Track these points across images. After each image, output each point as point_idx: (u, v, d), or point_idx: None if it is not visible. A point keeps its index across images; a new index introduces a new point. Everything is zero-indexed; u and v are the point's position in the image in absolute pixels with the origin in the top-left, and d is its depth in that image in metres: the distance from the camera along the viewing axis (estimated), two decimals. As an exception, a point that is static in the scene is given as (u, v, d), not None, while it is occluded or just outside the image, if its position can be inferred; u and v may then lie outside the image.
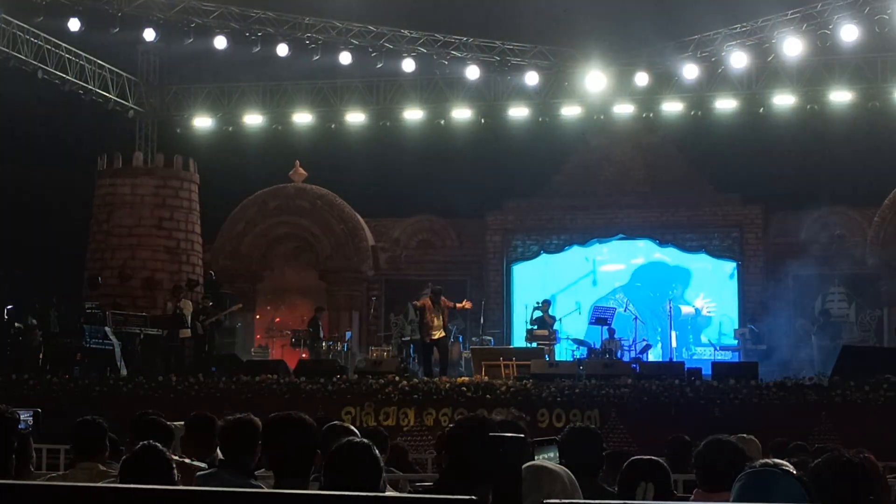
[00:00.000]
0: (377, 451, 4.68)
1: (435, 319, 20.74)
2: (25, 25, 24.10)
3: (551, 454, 4.60)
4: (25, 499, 2.70)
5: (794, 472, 4.42)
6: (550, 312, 24.79)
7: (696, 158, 27.80)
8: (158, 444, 5.36)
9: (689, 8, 25.07)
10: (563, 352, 25.15)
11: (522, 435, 4.22)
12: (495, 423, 4.76)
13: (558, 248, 29.12)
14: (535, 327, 24.24)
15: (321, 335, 26.20)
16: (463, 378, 19.65)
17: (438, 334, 20.78)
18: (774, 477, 4.32)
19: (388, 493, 4.16)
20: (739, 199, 28.08)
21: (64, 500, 2.68)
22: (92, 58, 26.49)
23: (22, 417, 5.92)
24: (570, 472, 4.61)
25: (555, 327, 24.65)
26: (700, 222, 28.10)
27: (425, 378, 19.77)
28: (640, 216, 28.27)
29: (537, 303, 24.97)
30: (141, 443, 5.38)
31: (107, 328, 22.53)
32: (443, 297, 21.08)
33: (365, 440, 4.85)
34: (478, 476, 4.02)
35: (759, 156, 26.80)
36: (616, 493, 5.78)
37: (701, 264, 28.57)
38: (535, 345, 23.34)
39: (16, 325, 22.73)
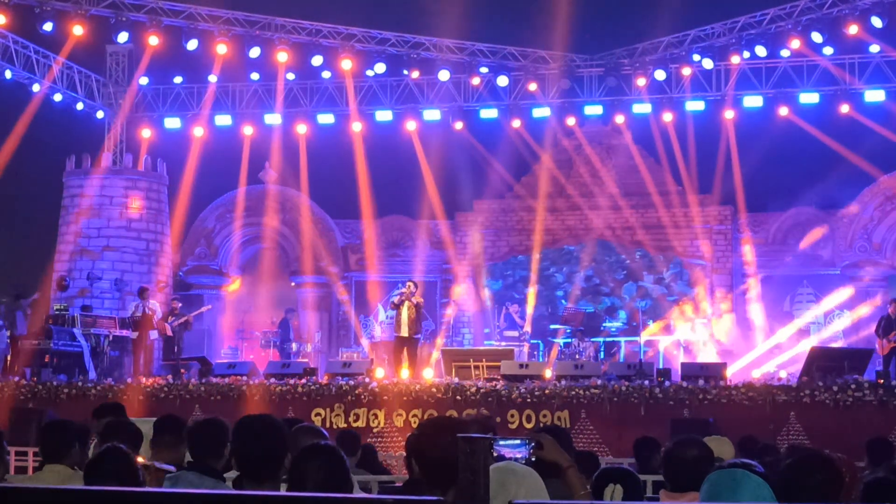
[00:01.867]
0: (342, 454, 4.67)
1: (402, 316, 20.87)
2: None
3: (517, 441, 4.59)
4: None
5: (763, 471, 4.44)
6: (520, 314, 24.83)
7: (667, 160, 27.87)
8: (123, 446, 5.34)
9: (659, 9, 25.15)
10: (534, 350, 25.21)
11: (490, 434, 4.24)
12: (463, 423, 4.75)
13: (529, 250, 29.14)
14: (506, 328, 24.27)
15: (291, 336, 26.19)
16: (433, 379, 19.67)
17: (404, 331, 20.86)
18: (742, 476, 4.34)
19: (356, 495, 4.16)
20: (709, 200, 28.16)
21: (31, 502, 2.67)
22: (60, 58, 26.34)
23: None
24: (536, 473, 4.61)
25: (524, 328, 24.70)
26: (670, 224, 28.17)
27: (395, 378, 19.80)
28: (611, 217, 28.33)
29: (507, 304, 25.00)
30: (106, 445, 5.35)
31: (75, 330, 22.42)
32: (413, 298, 21.08)
33: (328, 443, 4.84)
34: (446, 476, 4.02)
35: (728, 157, 26.91)
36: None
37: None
38: (511, 345, 23.35)
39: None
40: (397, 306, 21.09)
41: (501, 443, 4.46)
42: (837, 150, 25.61)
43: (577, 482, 4.80)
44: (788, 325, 26.22)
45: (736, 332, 26.54)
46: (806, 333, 26.17)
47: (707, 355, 24.73)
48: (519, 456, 4.49)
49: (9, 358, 22.04)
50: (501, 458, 4.43)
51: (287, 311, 26.94)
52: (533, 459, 4.58)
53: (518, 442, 4.54)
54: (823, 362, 18.48)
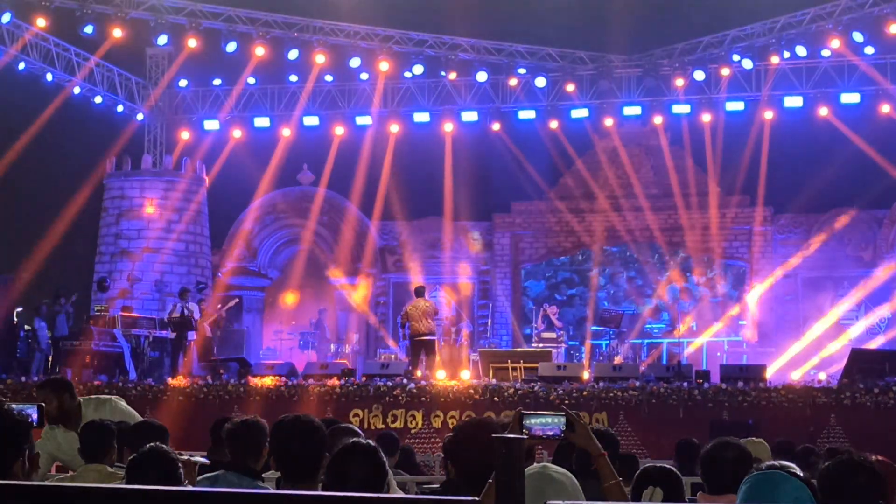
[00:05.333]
0: (381, 454, 4.67)
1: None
2: (34, 28, 24.14)
3: (548, 420, 4.55)
4: (36, 500, 2.71)
5: (801, 474, 4.41)
6: (559, 315, 24.75)
7: (704, 161, 27.74)
8: (164, 445, 5.38)
9: (698, 9, 25.06)
10: (574, 352, 25.21)
11: (525, 436, 4.23)
12: (498, 425, 4.75)
13: (566, 251, 29.11)
14: (544, 329, 24.22)
15: (326, 335, 26.26)
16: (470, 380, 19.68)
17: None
18: (781, 479, 4.32)
19: (392, 495, 4.16)
20: (749, 201, 28.02)
21: (73, 500, 2.70)
22: (101, 61, 26.55)
23: (26, 412, 5.91)
24: (573, 478, 4.61)
25: (562, 330, 24.66)
26: (711, 224, 28.05)
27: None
28: (651, 218, 28.23)
29: (545, 305, 24.93)
30: (147, 444, 5.40)
31: (116, 330, 22.58)
32: (419, 299, 21.19)
33: (369, 442, 4.84)
34: (482, 478, 4.02)
35: (768, 157, 26.75)
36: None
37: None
38: (549, 347, 23.32)
39: (25, 327, 22.80)
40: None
41: (533, 420, 4.44)
42: (879, 151, 25.41)
43: (608, 471, 4.77)
44: (819, 322, 26.00)
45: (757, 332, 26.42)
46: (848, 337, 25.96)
47: (734, 357, 24.69)
48: (550, 434, 4.45)
49: (50, 358, 22.24)
50: (533, 436, 4.39)
51: (320, 312, 27.03)
52: (562, 436, 4.54)
53: (549, 420, 4.50)
54: (864, 364, 18.31)
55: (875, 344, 25.48)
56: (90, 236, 27.88)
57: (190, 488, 5.20)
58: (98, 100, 27.00)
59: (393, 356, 25.18)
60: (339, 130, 27.81)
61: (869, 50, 24.44)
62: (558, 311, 25.08)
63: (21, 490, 2.72)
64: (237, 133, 28.16)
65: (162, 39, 25.05)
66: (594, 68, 26.62)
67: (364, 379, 19.68)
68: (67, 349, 21.87)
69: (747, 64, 25.30)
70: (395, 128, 27.52)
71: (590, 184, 28.76)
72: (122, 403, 8.39)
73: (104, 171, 27.89)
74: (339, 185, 29.53)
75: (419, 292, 21.39)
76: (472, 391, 18.81)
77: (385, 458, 4.71)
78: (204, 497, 2.81)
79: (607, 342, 24.80)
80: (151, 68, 28.51)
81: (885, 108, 25.09)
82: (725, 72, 25.75)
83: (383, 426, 18.29)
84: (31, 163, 26.03)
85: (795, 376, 20.55)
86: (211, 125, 28.67)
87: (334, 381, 19.37)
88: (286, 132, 28.07)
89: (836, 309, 26.49)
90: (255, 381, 19.66)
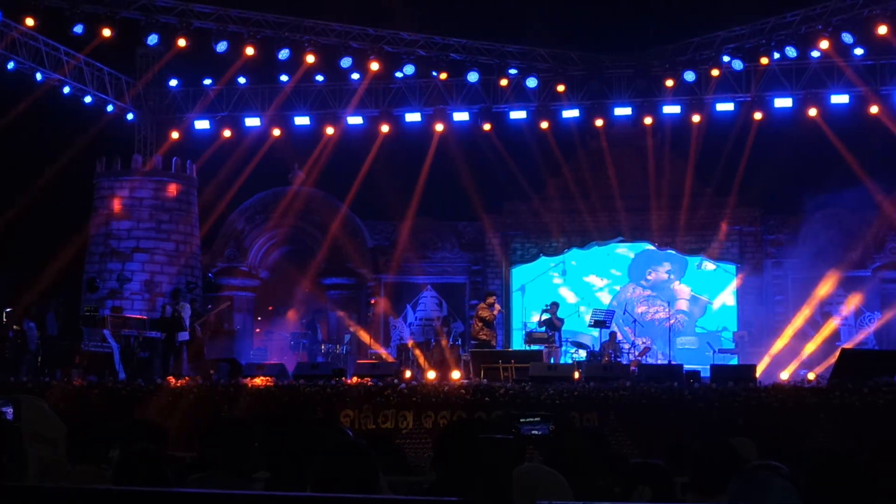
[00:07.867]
0: (373, 453, 4.66)
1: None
2: (23, 28, 24.06)
3: (537, 420, 4.58)
4: (26, 500, 2.70)
5: (788, 473, 4.42)
6: (558, 314, 24.71)
7: (694, 161, 27.78)
8: (152, 446, 5.37)
9: (689, 10, 25.09)
10: (563, 354, 25.18)
11: (512, 436, 4.23)
12: (488, 426, 4.75)
13: (557, 251, 29.12)
14: (544, 329, 24.17)
15: (319, 338, 26.22)
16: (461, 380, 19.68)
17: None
18: (768, 478, 4.32)
19: (379, 496, 4.16)
20: (738, 201, 28.06)
21: (62, 501, 2.69)
22: (90, 60, 26.48)
23: (3, 410, 5.90)
24: (561, 477, 4.61)
25: (553, 330, 24.64)
26: (698, 225, 28.11)
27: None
28: (639, 219, 28.27)
29: (546, 305, 24.90)
30: (135, 445, 5.39)
31: (105, 331, 22.53)
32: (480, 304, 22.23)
33: (360, 440, 4.83)
34: (470, 478, 4.02)
35: (757, 158, 26.80)
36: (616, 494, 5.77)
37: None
38: (540, 347, 23.35)
39: (14, 327, 22.73)
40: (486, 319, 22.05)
41: (522, 420, 4.46)
42: (868, 152, 25.46)
43: None
44: (795, 320, 26.08)
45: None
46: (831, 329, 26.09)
47: (723, 356, 24.78)
48: (539, 434, 4.49)
49: (40, 359, 22.17)
50: (524, 436, 4.42)
51: (315, 313, 26.99)
52: (550, 436, 4.57)
53: (538, 420, 4.53)
54: (854, 364, 18.31)
55: (861, 336, 25.61)
56: (80, 236, 27.79)
57: (178, 489, 5.19)
58: (88, 99, 26.93)
59: (385, 355, 25.17)
60: (330, 130, 27.77)
61: (858, 51, 24.47)
62: (557, 310, 24.94)
63: (14, 491, 2.72)
64: (227, 133, 28.10)
65: (152, 39, 24.97)
66: (585, 69, 26.63)
67: (355, 379, 19.66)
68: (57, 349, 21.80)
69: (737, 65, 25.32)
70: (385, 128, 27.47)
71: (580, 184, 28.77)
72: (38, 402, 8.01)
73: (94, 171, 27.83)
74: (330, 185, 29.54)
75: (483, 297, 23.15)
76: (462, 391, 18.78)
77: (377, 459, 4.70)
78: (192, 498, 2.81)
79: (597, 342, 24.78)
80: (142, 68, 28.43)
81: (874, 109, 25.13)
82: (716, 72, 25.77)
83: (374, 426, 18.28)
84: (19, 162, 25.97)
85: (784, 376, 20.57)
86: (201, 125, 28.62)
87: (325, 382, 19.33)
88: (277, 132, 28.03)
89: (820, 291, 26.60)
90: (246, 382, 19.63)
